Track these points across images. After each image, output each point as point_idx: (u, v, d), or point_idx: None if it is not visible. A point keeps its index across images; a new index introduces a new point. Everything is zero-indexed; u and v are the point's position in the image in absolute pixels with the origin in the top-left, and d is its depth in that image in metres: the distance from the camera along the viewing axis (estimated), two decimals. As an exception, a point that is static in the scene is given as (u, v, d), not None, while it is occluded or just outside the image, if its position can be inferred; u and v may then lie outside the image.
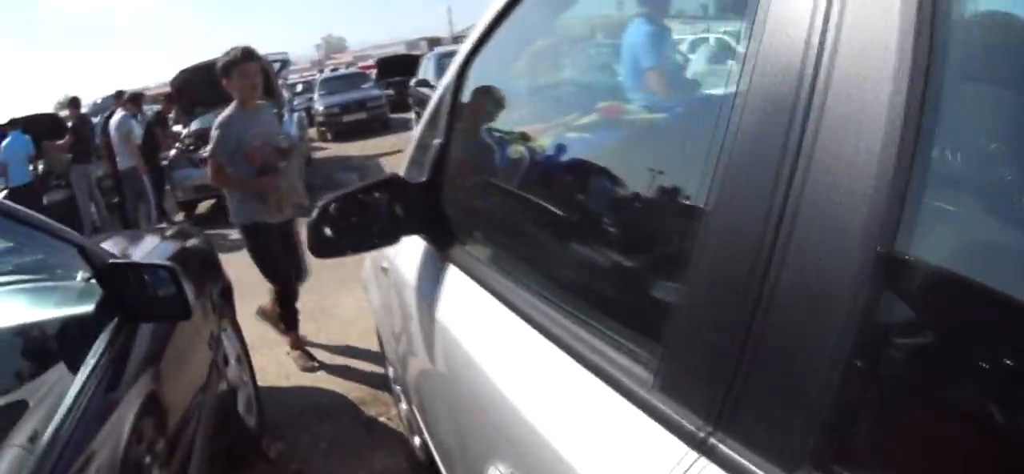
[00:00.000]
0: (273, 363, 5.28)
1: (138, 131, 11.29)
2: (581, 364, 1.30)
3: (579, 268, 1.61)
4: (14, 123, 11.78)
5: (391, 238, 2.19)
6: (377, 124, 20.20)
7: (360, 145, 16.49)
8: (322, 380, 5.04)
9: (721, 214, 0.97)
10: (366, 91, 21.79)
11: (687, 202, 1.20)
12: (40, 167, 11.99)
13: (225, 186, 5.06)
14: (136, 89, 11.75)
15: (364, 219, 2.11)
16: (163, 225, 10.48)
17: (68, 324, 2.59)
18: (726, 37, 1.95)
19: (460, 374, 1.83)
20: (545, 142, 2.02)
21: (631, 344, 1.20)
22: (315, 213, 2.05)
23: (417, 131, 2.65)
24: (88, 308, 2.52)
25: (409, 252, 2.37)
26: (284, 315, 5.30)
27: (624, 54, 2.52)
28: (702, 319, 1.00)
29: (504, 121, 2.23)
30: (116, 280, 2.51)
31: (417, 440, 3.42)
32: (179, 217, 12.19)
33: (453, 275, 2.00)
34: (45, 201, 11.71)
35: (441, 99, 2.30)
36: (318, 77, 27.29)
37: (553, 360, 1.39)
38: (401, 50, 41.22)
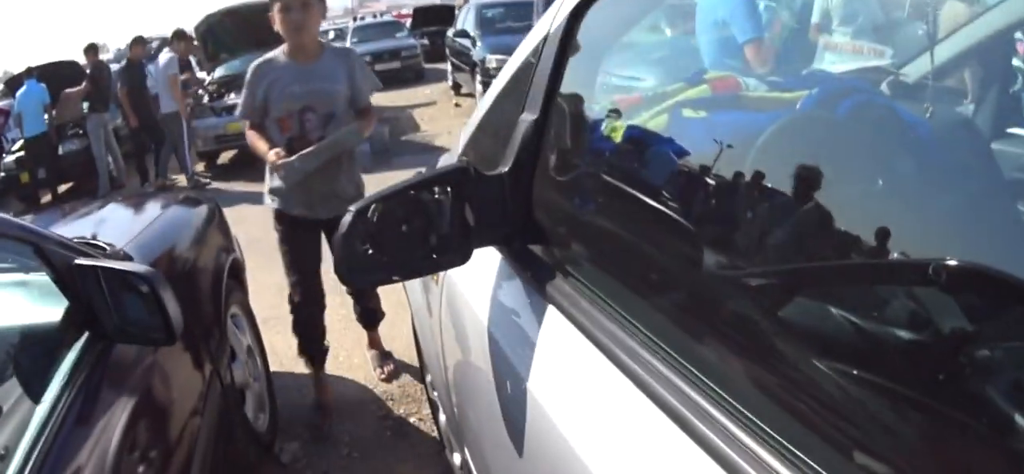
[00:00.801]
0: (288, 344, 4.17)
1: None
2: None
3: (754, 338, 0.98)
4: (30, 71, 11.51)
5: (460, 254, 1.52)
6: (411, 74, 19.58)
7: (392, 95, 15.60)
8: (345, 367, 4.35)
9: None
10: (400, 40, 21.35)
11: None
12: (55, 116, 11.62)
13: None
14: (175, 30, 11.04)
15: (419, 227, 1.45)
16: (168, 188, 9.98)
17: (27, 338, 2.01)
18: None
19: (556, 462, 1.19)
20: (682, 128, 1.36)
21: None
22: (346, 222, 1.40)
23: (484, 104, 1.94)
24: (53, 318, 1.95)
25: (476, 265, 1.69)
26: (301, 347, 3.87)
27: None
28: None
29: (611, 95, 1.57)
30: (84, 287, 1.90)
31: (457, 458, 2.73)
32: (200, 167, 11.58)
33: (553, 322, 1.34)
34: (61, 151, 11.38)
35: (529, 62, 1.62)
36: (351, 25, 26.81)
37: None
38: (438, -1, 40.36)
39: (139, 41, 11.37)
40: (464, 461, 2.25)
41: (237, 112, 3.67)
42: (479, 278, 1.69)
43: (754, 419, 0.86)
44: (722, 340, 1.03)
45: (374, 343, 4.24)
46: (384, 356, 4.23)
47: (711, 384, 0.94)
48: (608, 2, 1.45)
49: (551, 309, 1.34)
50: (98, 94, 11.17)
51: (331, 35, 25.93)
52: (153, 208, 3.45)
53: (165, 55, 10.58)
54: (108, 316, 1.92)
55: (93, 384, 1.88)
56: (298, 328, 3.79)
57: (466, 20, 16.15)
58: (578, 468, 1.09)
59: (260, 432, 3.46)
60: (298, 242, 3.61)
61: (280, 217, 3.61)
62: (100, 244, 2.54)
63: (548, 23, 1.57)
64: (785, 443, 0.81)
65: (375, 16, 33.78)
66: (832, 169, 0.93)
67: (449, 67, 17.04)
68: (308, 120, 3.39)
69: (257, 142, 3.43)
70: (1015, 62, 1.49)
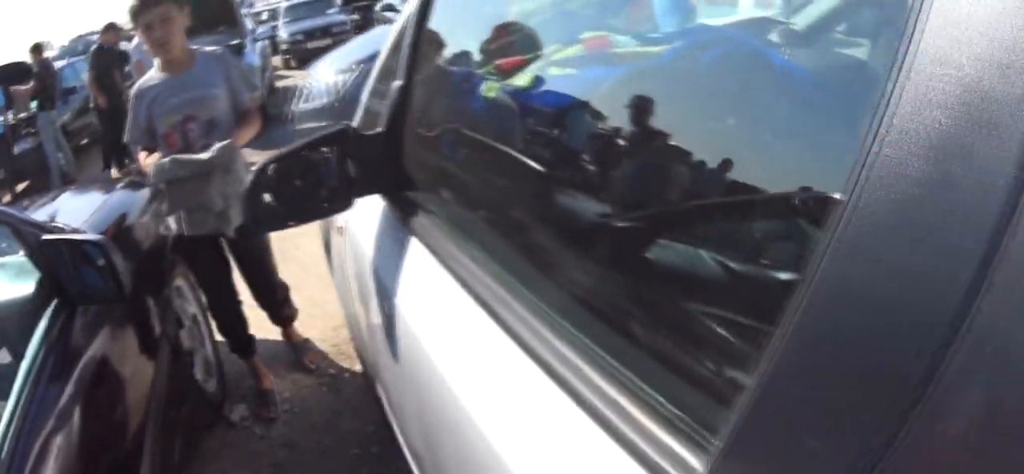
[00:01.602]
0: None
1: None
2: (582, 408, 0.89)
3: (592, 270, 1.13)
4: (-17, 75, 11.28)
5: (343, 202, 1.76)
6: (343, 49, 19.31)
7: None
8: (277, 330, 4.50)
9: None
10: (330, 17, 20.81)
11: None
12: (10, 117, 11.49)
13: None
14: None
15: (311, 181, 1.68)
16: (112, 172, 10.01)
17: (9, 307, 2.30)
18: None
19: (425, 380, 1.41)
20: (545, 80, 1.55)
21: (672, 406, 0.79)
22: (250, 179, 1.62)
23: (373, 72, 2.17)
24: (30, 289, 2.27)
25: (367, 213, 1.94)
26: (232, 346, 3.87)
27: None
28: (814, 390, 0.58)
29: (480, 57, 1.76)
30: (50, 259, 2.19)
31: (379, 389, 2.87)
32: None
33: (416, 252, 1.58)
34: (16, 151, 11.27)
35: (402, 31, 1.84)
36: (283, 4, 26.37)
37: (546, 396, 0.97)
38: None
39: (111, 27, 11.16)
40: (382, 389, 2.44)
41: (126, 137, 3.54)
42: (367, 223, 1.93)
43: (582, 338, 0.99)
44: (556, 270, 1.21)
45: (291, 336, 4.22)
46: (303, 345, 4.23)
47: (544, 306, 1.09)
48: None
49: (414, 240, 1.59)
50: (46, 92, 11.09)
51: (264, 16, 25.42)
52: (101, 193, 3.69)
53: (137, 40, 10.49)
54: (70, 282, 2.18)
55: (62, 345, 2.13)
56: (223, 331, 3.86)
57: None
58: (431, 369, 1.32)
59: (210, 394, 3.67)
60: (196, 259, 3.63)
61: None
62: (60, 226, 2.76)
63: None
64: (612, 362, 0.92)
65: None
66: (688, 115, 1.01)
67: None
68: (191, 131, 3.28)
69: (144, 162, 3.33)
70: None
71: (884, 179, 0.52)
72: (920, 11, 0.52)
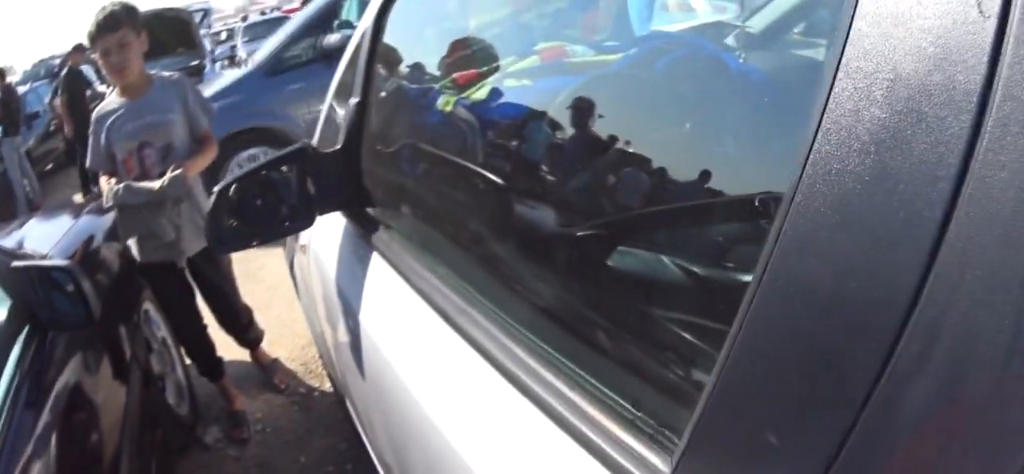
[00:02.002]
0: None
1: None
2: (547, 416, 0.88)
3: (551, 278, 1.13)
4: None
5: (305, 220, 1.74)
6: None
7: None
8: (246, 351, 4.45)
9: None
10: (289, 34, 20.74)
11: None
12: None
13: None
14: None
15: (272, 200, 1.66)
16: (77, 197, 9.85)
17: None
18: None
19: (391, 392, 1.39)
20: (502, 92, 1.54)
21: (634, 409, 0.79)
22: (212, 200, 1.60)
23: (331, 89, 2.15)
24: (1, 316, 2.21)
25: (329, 231, 1.92)
26: (200, 369, 3.80)
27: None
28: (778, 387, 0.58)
29: (435, 72, 1.74)
30: (20, 286, 2.16)
31: (348, 404, 2.86)
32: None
33: (377, 266, 1.57)
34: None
35: (357, 49, 1.83)
36: (240, 24, 26.10)
37: (510, 403, 0.96)
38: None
39: (79, 49, 10.86)
40: (351, 404, 2.41)
41: (88, 163, 3.49)
42: (329, 241, 1.91)
43: (544, 345, 0.98)
44: (515, 279, 1.20)
45: (259, 358, 4.15)
46: (273, 366, 4.17)
47: (504, 315, 1.09)
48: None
49: (375, 254, 1.58)
50: (9, 118, 10.88)
51: (223, 36, 25.25)
52: (67, 219, 3.65)
53: None
54: (40, 309, 2.16)
55: (36, 372, 2.10)
56: (191, 355, 3.81)
57: (349, 10, 16.15)
58: (396, 380, 1.31)
59: (183, 417, 3.61)
60: (158, 282, 3.56)
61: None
62: (29, 252, 2.79)
63: (368, 14, 1.77)
64: (574, 367, 0.91)
65: (263, 13, 32.64)
66: (642, 121, 1.01)
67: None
68: (147, 157, 3.23)
69: (104, 187, 3.27)
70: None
71: (825, 176, 0.52)
72: (854, 8, 0.52)
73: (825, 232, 0.52)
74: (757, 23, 1.47)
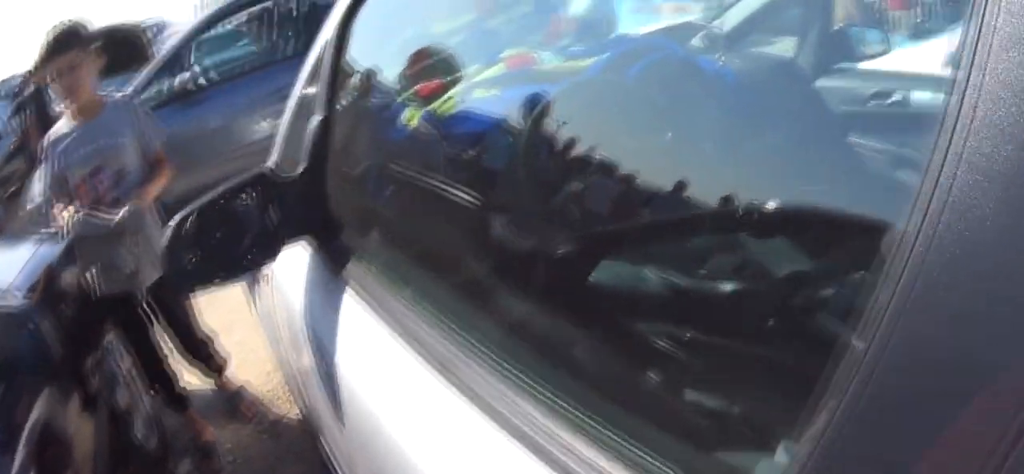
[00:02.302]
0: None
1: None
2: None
3: (556, 316, 0.99)
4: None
5: (269, 251, 1.60)
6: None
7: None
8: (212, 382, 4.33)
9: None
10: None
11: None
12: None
13: None
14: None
15: (233, 232, 1.53)
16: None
17: None
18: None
19: (379, 444, 1.21)
20: (470, 104, 1.47)
21: (619, 437, 0.71)
22: (167, 236, 1.48)
23: (288, 108, 2.04)
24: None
25: (293, 262, 1.75)
26: (164, 401, 3.64)
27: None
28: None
29: (402, 86, 1.65)
30: None
31: (322, 439, 2.75)
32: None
33: (351, 305, 1.41)
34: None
35: (318, 63, 1.74)
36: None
37: (490, 440, 0.87)
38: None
39: None
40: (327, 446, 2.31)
41: (44, 189, 3.41)
42: (294, 273, 1.76)
43: (511, 368, 0.89)
44: (489, 306, 1.11)
45: (225, 385, 4.01)
46: (239, 394, 4.03)
47: (472, 341, 0.99)
48: (376, 6, 1.57)
49: (341, 282, 1.45)
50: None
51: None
52: (28, 247, 3.51)
53: None
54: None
55: (5, 415, 2.08)
56: (154, 388, 3.64)
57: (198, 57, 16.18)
58: (378, 430, 1.18)
59: (152, 451, 3.47)
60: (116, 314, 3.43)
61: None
62: None
63: (330, 24, 1.66)
64: (561, 401, 0.82)
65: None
66: (620, 130, 0.95)
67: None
68: (100, 182, 3.11)
69: (58, 215, 3.15)
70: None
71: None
72: None
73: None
74: (721, 24, 1.43)
